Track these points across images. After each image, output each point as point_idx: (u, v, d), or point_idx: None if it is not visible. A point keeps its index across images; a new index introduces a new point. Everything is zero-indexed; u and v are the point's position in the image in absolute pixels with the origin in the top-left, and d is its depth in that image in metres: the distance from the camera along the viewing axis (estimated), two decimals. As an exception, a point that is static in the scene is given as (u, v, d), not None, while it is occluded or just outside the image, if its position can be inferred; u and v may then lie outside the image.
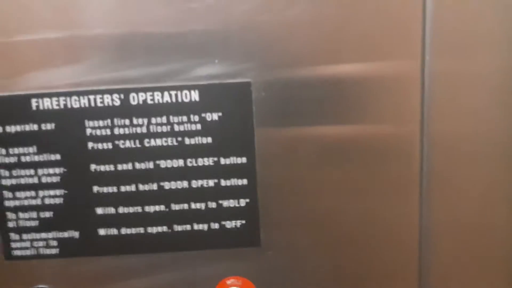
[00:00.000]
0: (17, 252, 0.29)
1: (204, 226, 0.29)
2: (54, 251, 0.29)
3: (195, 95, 0.27)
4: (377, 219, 0.29)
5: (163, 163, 0.28)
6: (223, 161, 0.28)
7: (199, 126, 0.28)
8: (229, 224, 0.29)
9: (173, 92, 0.27)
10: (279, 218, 0.29)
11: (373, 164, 0.29)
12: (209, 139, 0.28)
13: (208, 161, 0.28)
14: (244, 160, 0.28)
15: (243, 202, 0.29)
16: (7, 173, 0.28)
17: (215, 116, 0.28)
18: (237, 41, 0.27)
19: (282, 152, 0.28)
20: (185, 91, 0.27)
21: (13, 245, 0.29)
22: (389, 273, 0.31)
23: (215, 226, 0.29)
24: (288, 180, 0.29)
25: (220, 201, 0.29)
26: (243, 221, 0.29)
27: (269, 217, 0.29)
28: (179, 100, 0.27)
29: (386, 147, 0.29)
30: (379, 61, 0.28)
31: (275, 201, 0.29)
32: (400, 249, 0.30)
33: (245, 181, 0.28)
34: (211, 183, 0.28)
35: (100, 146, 0.28)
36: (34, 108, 0.27)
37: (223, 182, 0.28)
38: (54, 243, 0.29)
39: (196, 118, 0.28)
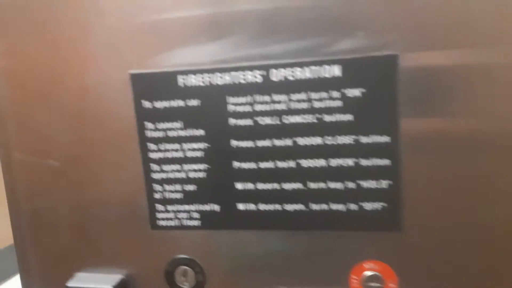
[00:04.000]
0: (162, 223, 0.31)
1: (342, 207, 0.28)
2: (196, 223, 0.31)
3: (336, 70, 0.26)
4: None
5: (301, 141, 0.28)
6: (364, 139, 0.27)
7: (339, 103, 0.27)
8: (368, 206, 0.28)
9: (314, 68, 0.26)
10: (423, 203, 0.27)
11: None
12: (350, 116, 0.27)
13: (348, 140, 0.27)
14: (387, 139, 0.27)
15: (384, 184, 0.27)
16: (155, 147, 0.30)
17: (357, 92, 0.26)
18: (383, 12, 0.25)
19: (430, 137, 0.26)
20: (326, 66, 0.26)
21: (159, 215, 0.31)
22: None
23: (354, 207, 0.28)
24: (435, 166, 0.27)
25: (360, 182, 0.28)
26: (384, 204, 0.28)
27: (412, 201, 0.27)
28: (320, 75, 0.27)
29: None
30: None
31: (420, 185, 0.27)
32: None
33: (387, 162, 0.27)
34: (350, 162, 0.27)
35: (241, 122, 0.28)
36: (180, 84, 0.28)
37: (363, 162, 0.27)
38: (196, 215, 0.30)
39: (337, 94, 0.27)
